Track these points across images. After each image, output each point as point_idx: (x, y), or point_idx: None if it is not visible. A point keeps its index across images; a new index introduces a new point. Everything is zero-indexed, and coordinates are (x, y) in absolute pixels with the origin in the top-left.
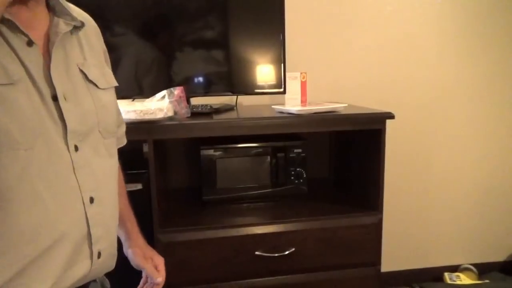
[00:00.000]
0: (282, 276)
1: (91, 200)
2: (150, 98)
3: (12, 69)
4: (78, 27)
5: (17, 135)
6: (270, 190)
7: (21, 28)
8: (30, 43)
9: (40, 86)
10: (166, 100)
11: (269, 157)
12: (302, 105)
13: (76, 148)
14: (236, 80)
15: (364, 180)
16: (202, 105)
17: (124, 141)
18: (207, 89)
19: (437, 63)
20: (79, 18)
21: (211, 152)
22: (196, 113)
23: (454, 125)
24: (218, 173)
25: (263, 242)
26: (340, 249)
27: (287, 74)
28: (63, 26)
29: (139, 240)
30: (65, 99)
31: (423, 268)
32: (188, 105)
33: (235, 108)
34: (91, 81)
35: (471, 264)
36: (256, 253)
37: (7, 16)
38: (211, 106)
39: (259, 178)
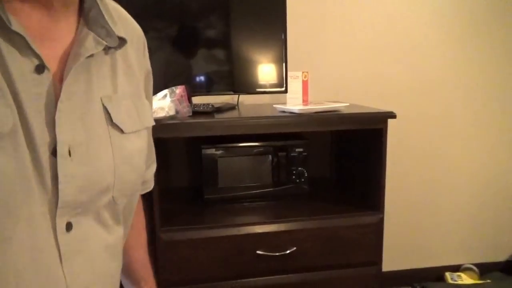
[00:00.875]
0: (283, 275)
1: None
2: None
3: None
4: (114, 47)
5: None
6: (271, 189)
7: (32, 45)
8: (40, 68)
9: (35, 136)
10: (168, 99)
11: (270, 157)
12: (303, 105)
13: (69, 227)
14: (237, 79)
15: (366, 180)
16: (203, 104)
17: (151, 186)
18: (209, 88)
19: (440, 62)
20: (121, 33)
21: (212, 151)
22: (197, 112)
23: (456, 124)
24: (220, 172)
25: (264, 241)
26: (341, 248)
27: (288, 73)
28: (90, 44)
29: None
30: (70, 154)
31: (424, 268)
32: (189, 104)
33: (236, 107)
34: (115, 125)
35: (472, 264)
36: (258, 252)
37: (15, 28)
38: (212, 105)
39: (260, 177)
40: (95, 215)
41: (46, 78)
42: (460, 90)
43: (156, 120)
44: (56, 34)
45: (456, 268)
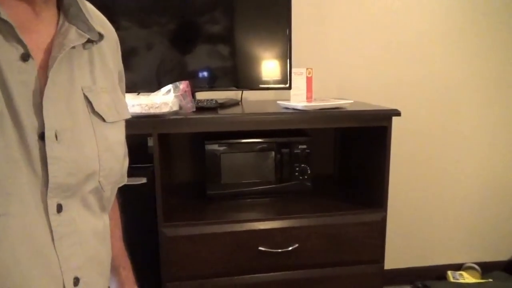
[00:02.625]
0: (285, 272)
1: (76, 282)
2: (155, 92)
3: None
4: (94, 41)
5: None
6: (274, 186)
7: (19, 34)
8: (25, 56)
9: (22, 119)
10: (172, 94)
11: (273, 153)
12: (307, 101)
13: (60, 209)
14: (241, 75)
15: (369, 178)
16: (207, 100)
17: (125, 180)
18: (213, 84)
19: (444, 60)
20: (98, 28)
21: (215, 147)
22: (201, 108)
23: (460, 123)
24: (223, 168)
25: (266, 237)
26: (343, 246)
27: (293, 69)
28: (74, 36)
29: None
30: (57, 138)
31: (427, 266)
32: (193, 99)
33: (240, 103)
34: (96, 113)
35: (474, 263)
36: (260, 248)
37: (4, 16)
38: (216, 101)
39: (263, 173)
40: (83, 200)
41: (31, 66)
42: (465, 88)
43: (160, 115)
44: (38, 27)
45: (458, 267)
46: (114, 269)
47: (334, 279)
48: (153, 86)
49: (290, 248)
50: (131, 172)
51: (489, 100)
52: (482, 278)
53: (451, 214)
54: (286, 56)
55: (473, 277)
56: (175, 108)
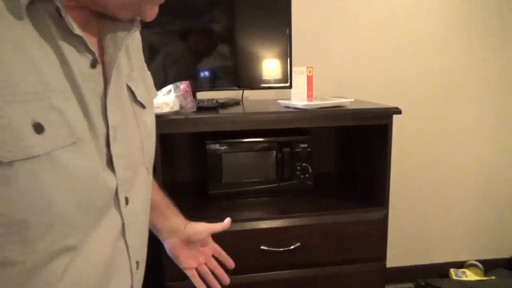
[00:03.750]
0: (287, 270)
1: (137, 265)
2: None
3: (74, 119)
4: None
5: (71, 219)
6: (275, 184)
7: (88, 44)
8: (94, 63)
9: (97, 127)
10: (172, 94)
11: (275, 152)
12: (308, 100)
13: (127, 201)
14: (242, 75)
15: (370, 176)
16: (208, 100)
17: None
18: (213, 84)
19: (445, 58)
20: None
21: (217, 146)
22: (202, 108)
23: (461, 121)
24: (224, 167)
25: (268, 236)
26: (345, 244)
27: (293, 68)
28: (121, 30)
29: (177, 224)
30: (115, 138)
31: (429, 264)
32: (194, 99)
33: (241, 102)
34: (138, 102)
35: (477, 261)
36: (261, 247)
37: (78, 32)
38: (217, 101)
39: (264, 172)
40: (137, 188)
41: (98, 71)
42: (466, 87)
43: (161, 115)
44: (87, 27)
45: (460, 265)
46: (160, 213)
47: (336, 277)
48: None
49: (292, 247)
50: None
51: (490, 98)
52: (484, 276)
53: (453, 211)
54: (286, 55)
55: (476, 274)
56: (176, 108)
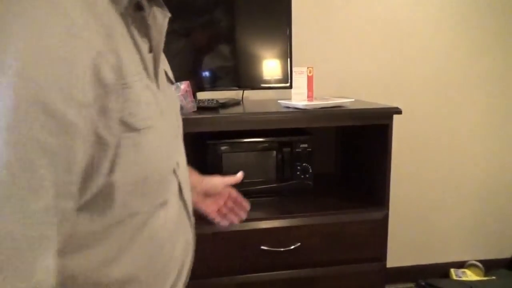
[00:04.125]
0: (287, 270)
1: (193, 219)
2: None
3: (158, 95)
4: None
5: (166, 175)
6: (276, 185)
7: (149, 32)
8: (150, 48)
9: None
10: None
11: (275, 152)
12: (308, 100)
13: (178, 164)
14: (242, 75)
15: (371, 176)
16: (208, 100)
17: None
18: (213, 84)
19: (446, 58)
20: None
21: (217, 146)
22: (202, 108)
23: (462, 121)
24: (224, 167)
25: (268, 236)
26: (345, 244)
27: (293, 68)
28: (160, 17)
29: (195, 181)
30: (164, 112)
31: (429, 264)
32: (194, 99)
33: (241, 102)
34: (170, 81)
35: (477, 261)
36: (262, 247)
37: (150, 22)
38: (217, 101)
39: (265, 173)
40: (182, 161)
41: (151, 55)
42: (466, 87)
43: None
44: None
45: (461, 265)
46: None
47: (336, 277)
48: None
49: (292, 247)
50: None
51: (491, 98)
52: (485, 276)
53: (453, 211)
54: (286, 55)
55: (476, 274)
56: None
